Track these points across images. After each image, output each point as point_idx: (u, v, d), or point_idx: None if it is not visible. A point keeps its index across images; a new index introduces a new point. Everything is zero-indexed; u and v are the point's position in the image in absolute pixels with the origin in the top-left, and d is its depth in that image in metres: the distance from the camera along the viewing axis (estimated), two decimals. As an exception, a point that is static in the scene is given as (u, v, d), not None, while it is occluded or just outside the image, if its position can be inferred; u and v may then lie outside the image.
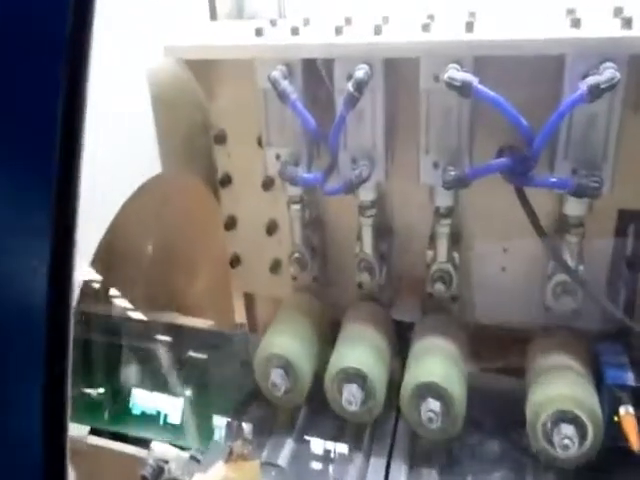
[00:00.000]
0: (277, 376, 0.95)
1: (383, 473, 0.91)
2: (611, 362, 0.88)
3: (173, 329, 1.17)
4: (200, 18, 0.98)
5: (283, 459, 0.96)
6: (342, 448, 0.97)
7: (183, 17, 0.93)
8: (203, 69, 0.93)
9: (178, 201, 1.09)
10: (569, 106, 0.72)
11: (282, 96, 0.82)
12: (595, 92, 0.70)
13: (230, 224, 1.06)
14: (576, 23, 0.72)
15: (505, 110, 0.75)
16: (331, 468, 0.94)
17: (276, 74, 0.81)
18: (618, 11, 0.74)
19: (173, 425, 1.06)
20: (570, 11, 0.76)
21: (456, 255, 0.94)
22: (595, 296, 0.87)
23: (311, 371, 0.98)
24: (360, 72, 0.78)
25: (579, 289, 0.88)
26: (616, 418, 0.83)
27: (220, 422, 1.05)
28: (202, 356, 1.17)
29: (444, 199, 0.89)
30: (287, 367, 0.95)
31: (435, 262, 0.95)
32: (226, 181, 1.03)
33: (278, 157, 0.90)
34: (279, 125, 0.89)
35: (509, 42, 0.73)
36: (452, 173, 0.80)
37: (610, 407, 0.84)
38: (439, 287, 0.95)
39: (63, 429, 0.52)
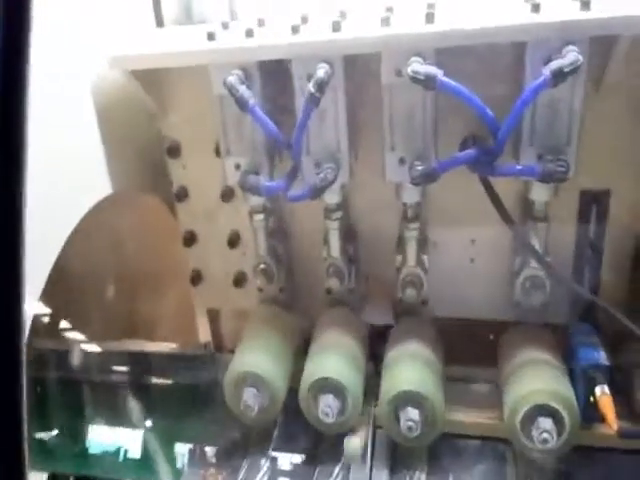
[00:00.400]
0: (250, 396, 0.91)
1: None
2: (583, 343, 0.89)
3: (133, 357, 1.12)
4: (145, 25, 0.93)
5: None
6: (321, 460, 0.94)
7: (126, 24, 0.88)
8: (152, 79, 0.88)
9: (133, 220, 1.04)
10: (533, 92, 0.72)
11: (240, 102, 0.78)
12: (559, 76, 0.70)
13: (189, 240, 1.02)
14: (536, 8, 0.72)
15: (470, 101, 0.74)
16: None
17: (232, 79, 0.78)
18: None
19: (134, 460, 1.01)
20: (527, -3, 0.76)
21: (425, 258, 0.94)
22: (565, 280, 0.88)
23: (285, 388, 0.95)
24: (321, 71, 0.75)
25: (547, 282, 0.89)
26: (592, 399, 0.84)
27: (183, 449, 1.01)
28: (166, 381, 1.13)
29: (411, 195, 0.88)
30: (260, 385, 0.92)
31: (405, 266, 0.94)
32: (182, 195, 0.98)
33: (238, 167, 0.87)
34: (237, 133, 0.85)
35: (471, 31, 0.72)
36: (419, 168, 0.79)
37: (585, 388, 0.85)
38: (410, 292, 0.94)
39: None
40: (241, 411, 0.93)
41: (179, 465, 0.99)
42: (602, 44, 0.74)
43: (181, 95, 0.92)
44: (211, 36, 0.80)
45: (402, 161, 0.83)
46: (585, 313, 0.93)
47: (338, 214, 0.92)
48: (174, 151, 0.96)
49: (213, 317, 1.12)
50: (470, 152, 0.78)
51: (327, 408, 0.88)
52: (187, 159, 0.97)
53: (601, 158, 0.83)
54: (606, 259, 0.91)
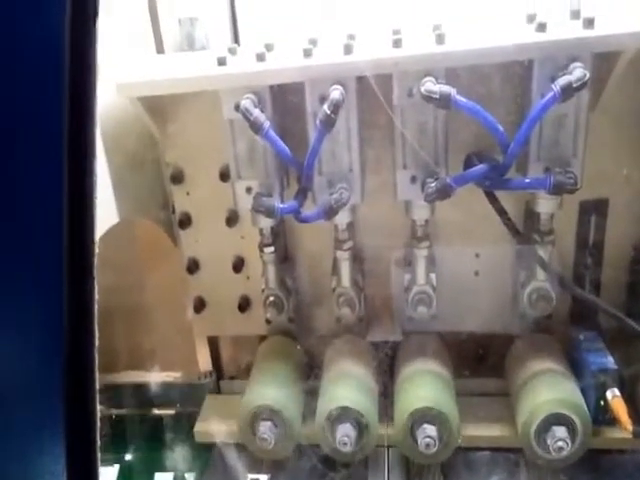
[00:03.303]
0: (266, 429, 0.91)
1: None
2: (590, 349, 0.92)
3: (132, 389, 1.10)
4: (145, 52, 0.92)
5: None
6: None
7: (126, 51, 0.87)
8: (156, 106, 0.88)
9: (135, 249, 1.01)
10: (544, 107, 0.75)
11: (255, 126, 0.78)
12: (568, 91, 0.73)
13: (192, 267, 1.00)
14: (542, 27, 0.75)
15: (483, 118, 0.76)
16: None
17: (246, 103, 0.78)
18: (576, 14, 0.78)
19: None
20: (531, 16, 0.79)
21: (433, 276, 0.95)
22: (576, 291, 0.91)
23: (300, 419, 0.95)
24: (336, 92, 0.76)
25: (553, 294, 0.91)
26: (602, 402, 0.87)
27: (162, 478, 0.99)
28: (169, 412, 1.10)
29: (421, 213, 0.89)
30: (276, 419, 0.92)
31: (414, 285, 0.95)
32: (185, 222, 0.97)
33: (249, 190, 0.86)
34: (249, 157, 0.85)
35: (481, 51, 0.75)
36: (433, 185, 0.80)
37: (596, 393, 0.88)
38: (421, 310, 0.95)
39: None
40: (256, 445, 0.92)
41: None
42: (601, 62, 0.78)
43: (185, 122, 0.92)
44: (222, 61, 0.80)
45: (414, 179, 0.84)
46: (587, 319, 0.96)
47: (349, 244, 0.93)
48: (177, 178, 0.94)
49: (214, 347, 1.10)
50: (482, 167, 0.80)
51: (345, 437, 0.88)
52: (191, 186, 0.96)
53: (599, 170, 0.87)
54: (605, 266, 0.94)
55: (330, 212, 0.82)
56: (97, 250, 0.46)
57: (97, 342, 0.46)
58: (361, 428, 0.89)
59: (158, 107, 0.88)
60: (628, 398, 0.86)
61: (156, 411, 1.10)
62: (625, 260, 0.94)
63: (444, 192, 0.80)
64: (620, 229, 0.93)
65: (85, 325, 0.45)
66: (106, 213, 0.85)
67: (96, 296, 0.46)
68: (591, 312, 0.94)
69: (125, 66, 0.83)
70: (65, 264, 0.45)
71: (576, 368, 0.92)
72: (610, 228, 0.93)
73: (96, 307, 0.46)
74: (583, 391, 0.88)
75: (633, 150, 0.89)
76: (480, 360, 1.01)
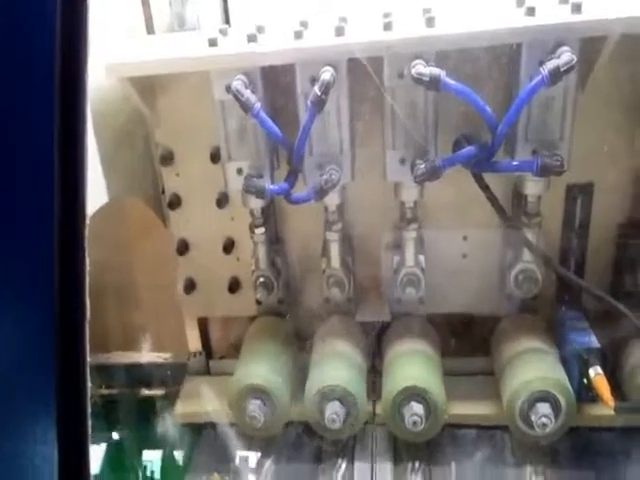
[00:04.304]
0: (255, 408, 0.92)
1: (369, 475, 0.91)
2: (574, 328, 0.94)
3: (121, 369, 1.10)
4: (135, 32, 0.91)
5: (267, 483, 0.93)
6: (324, 460, 0.95)
7: (116, 31, 0.86)
8: (147, 86, 0.87)
9: (124, 230, 1.01)
10: (532, 90, 0.76)
11: (246, 107, 0.79)
12: (556, 75, 0.74)
13: (182, 248, 1.00)
14: (531, 11, 0.76)
15: (472, 100, 0.77)
16: (318, 481, 0.93)
17: (237, 84, 0.78)
18: (565, -2, 0.79)
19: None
20: (520, 0, 0.80)
21: (422, 258, 0.96)
22: (562, 272, 0.93)
23: (289, 398, 0.96)
24: (327, 74, 0.77)
25: (540, 274, 0.93)
26: (585, 380, 0.89)
27: (150, 456, 1.01)
28: (157, 392, 1.11)
29: (410, 194, 0.90)
30: (265, 398, 0.93)
31: (403, 267, 0.96)
32: (175, 203, 0.97)
33: (240, 171, 0.87)
34: (239, 138, 0.85)
35: (471, 34, 0.76)
36: (422, 166, 0.81)
37: (579, 371, 0.90)
38: (410, 291, 0.96)
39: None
40: (246, 422, 0.93)
41: (148, 473, 0.99)
42: (588, 46, 0.79)
43: (175, 103, 0.92)
44: (213, 42, 0.80)
45: (403, 161, 0.85)
46: (572, 299, 0.98)
47: (339, 225, 0.94)
48: (167, 159, 0.94)
49: (203, 328, 1.11)
50: (471, 149, 0.81)
51: (334, 415, 0.89)
52: (181, 167, 0.96)
53: (586, 153, 0.88)
54: (591, 247, 0.96)
55: (321, 193, 0.83)
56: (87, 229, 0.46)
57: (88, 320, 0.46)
58: (349, 406, 0.90)
59: (148, 88, 0.88)
60: (610, 376, 0.88)
61: (145, 391, 1.11)
62: (610, 241, 0.96)
63: (433, 173, 0.81)
64: (606, 211, 0.95)
65: (76, 303, 0.46)
66: (96, 193, 0.86)
67: (87, 274, 0.46)
68: (576, 293, 0.96)
69: (115, 46, 0.83)
70: (56, 242, 0.45)
71: (560, 347, 0.94)
72: (596, 210, 0.95)
73: (87, 286, 0.46)
74: (567, 369, 0.90)
75: (619, 133, 0.90)
76: (467, 340, 1.03)
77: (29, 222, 0.46)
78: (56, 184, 0.45)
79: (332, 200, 0.90)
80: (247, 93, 0.78)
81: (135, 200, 0.97)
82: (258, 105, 0.78)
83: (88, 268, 0.46)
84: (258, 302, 1.03)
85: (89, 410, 0.47)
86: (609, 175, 0.93)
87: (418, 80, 0.76)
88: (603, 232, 0.96)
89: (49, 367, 0.46)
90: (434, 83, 0.75)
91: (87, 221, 0.46)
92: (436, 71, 0.75)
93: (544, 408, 0.86)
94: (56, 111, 0.44)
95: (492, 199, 0.89)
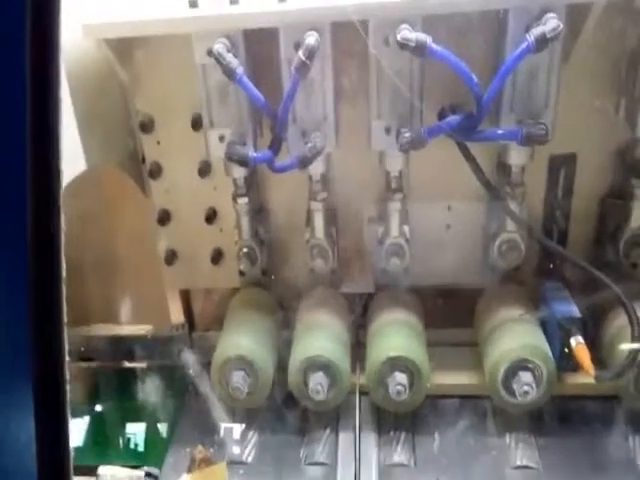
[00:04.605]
0: (239, 379, 0.91)
1: (353, 446, 0.91)
2: (556, 298, 0.95)
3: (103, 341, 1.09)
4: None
5: (249, 455, 0.93)
6: (309, 431, 0.96)
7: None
8: (125, 49, 0.85)
9: (103, 199, 0.99)
10: (518, 57, 0.75)
11: (227, 71, 0.77)
12: (542, 42, 0.73)
13: (164, 218, 0.99)
14: (517, -24, 0.75)
15: (457, 67, 0.76)
16: (302, 452, 0.93)
17: (219, 47, 0.76)
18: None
19: (74, 448, 0.97)
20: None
21: (406, 228, 0.95)
22: (545, 241, 0.93)
23: (273, 369, 0.96)
24: (311, 39, 0.75)
25: (523, 245, 0.93)
26: (566, 350, 0.90)
27: (134, 429, 1.00)
28: (140, 365, 1.10)
29: (395, 164, 0.89)
30: (248, 369, 0.92)
31: (388, 237, 0.95)
32: (156, 172, 0.95)
33: (222, 138, 0.85)
34: (221, 104, 0.84)
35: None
36: (407, 135, 0.80)
37: (560, 340, 0.90)
38: (394, 262, 0.96)
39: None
40: (229, 393, 0.93)
41: (131, 445, 0.99)
42: (574, 13, 0.78)
43: (155, 67, 0.89)
44: (193, 3, 0.78)
45: (388, 130, 0.84)
46: (554, 270, 0.99)
47: (323, 195, 0.93)
48: (147, 126, 0.92)
49: (186, 300, 1.10)
50: (456, 118, 0.80)
51: (318, 386, 0.89)
52: (161, 134, 0.94)
53: (569, 125, 0.87)
54: (573, 218, 0.97)
55: (305, 161, 0.82)
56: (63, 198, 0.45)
57: (65, 292, 0.45)
58: (333, 377, 0.90)
59: (126, 50, 0.86)
60: (591, 345, 0.88)
61: (127, 364, 1.10)
62: (592, 213, 0.97)
63: (418, 142, 0.80)
64: (588, 182, 0.95)
65: (52, 274, 0.45)
66: (73, 161, 0.84)
67: (63, 243, 0.45)
68: (558, 263, 0.97)
69: (92, 6, 0.80)
70: (30, 212, 0.44)
71: (542, 317, 0.94)
72: (579, 181, 0.95)
73: (63, 255, 0.45)
74: (548, 339, 0.91)
75: (602, 105, 0.90)
76: (450, 312, 1.03)
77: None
78: (28, 152, 0.43)
79: (316, 169, 0.89)
80: (229, 57, 0.76)
81: (114, 169, 0.95)
82: (241, 69, 0.77)
83: (64, 239, 0.45)
84: (241, 273, 1.02)
85: (67, 381, 0.46)
86: (592, 146, 0.93)
87: (404, 45, 0.74)
88: (585, 203, 0.96)
89: (24, 338, 0.45)
90: (420, 49, 0.74)
91: (63, 190, 0.45)
92: (422, 37, 0.74)
93: (526, 377, 0.87)
94: (27, 74, 0.42)
95: (476, 169, 0.89)
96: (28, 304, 0.44)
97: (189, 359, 1.04)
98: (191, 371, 1.02)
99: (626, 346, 0.87)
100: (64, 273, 0.44)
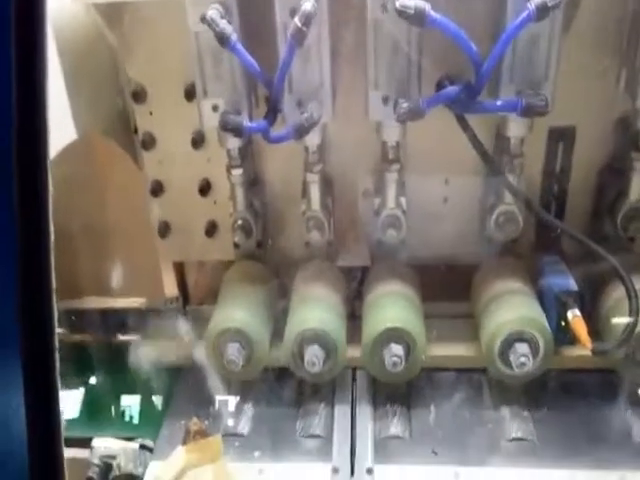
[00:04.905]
0: (234, 351, 0.91)
1: (349, 418, 0.91)
2: (553, 271, 0.95)
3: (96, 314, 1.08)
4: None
5: (245, 427, 0.93)
6: (304, 404, 0.95)
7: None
8: (116, 15, 0.83)
9: (94, 170, 0.97)
10: (518, 26, 0.74)
11: (221, 38, 0.75)
12: (543, 10, 0.72)
13: (157, 190, 0.97)
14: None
15: (457, 36, 0.75)
16: (297, 424, 0.92)
17: (212, 13, 0.74)
18: None
19: (69, 420, 0.99)
20: None
21: (403, 200, 0.94)
22: (543, 214, 0.92)
23: (268, 341, 0.95)
24: (308, 4, 0.73)
25: (520, 217, 0.92)
26: (563, 323, 0.90)
27: (129, 401, 1.01)
28: (133, 337, 1.09)
29: (392, 134, 0.88)
30: (243, 341, 0.92)
31: (384, 209, 0.94)
32: (149, 143, 0.94)
33: (216, 108, 0.83)
34: (215, 72, 0.82)
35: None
36: (405, 105, 0.79)
37: (557, 313, 0.90)
38: (391, 233, 0.95)
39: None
40: (224, 366, 0.92)
41: (126, 418, 0.99)
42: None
43: (147, 34, 0.87)
44: (186, -33, 0.75)
45: (386, 100, 0.82)
46: (551, 243, 0.98)
47: (319, 166, 0.91)
48: (140, 96, 0.90)
49: (180, 273, 1.09)
50: (454, 88, 0.79)
51: (314, 358, 0.89)
52: (154, 104, 0.92)
53: (568, 97, 0.86)
54: (571, 192, 0.96)
55: (301, 131, 0.81)
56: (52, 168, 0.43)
57: (54, 260, 0.44)
58: (329, 349, 0.90)
59: (116, 16, 0.84)
60: (588, 318, 0.88)
61: (121, 337, 1.10)
62: (590, 187, 0.96)
63: (416, 113, 0.79)
64: (587, 156, 0.94)
65: (40, 246, 0.44)
66: (63, 130, 0.82)
67: (51, 215, 0.44)
68: (555, 236, 0.96)
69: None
70: (16, 183, 0.42)
71: (539, 290, 0.94)
72: (577, 154, 0.94)
73: (52, 227, 0.44)
74: (545, 312, 0.90)
75: (602, 77, 0.88)
76: (447, 285, 1.03)
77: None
78: (14, 120, 0.42)
79: (312, 140, 0.88)
80: (223, 23, 0.74)
81: (104, 139, 0.93)
82: (234, 36, 0.75)
83: (55, 211, 0.43)
84: (236, 246, 1.01)
85: (57, 355, 0.45)
86: (592, 119, 0.92)
87: (402, 13, 0.73)
88: (584, 176, 0.95)
89: (12, 308, 0.44)
90: (419, 17, 0.73)
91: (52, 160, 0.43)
92: (421, 4, 0.72)
93: (522, 348, 0.87)
94: (12, 37, 0.41)
95: (474, 140, 0.87)
96: (16, 271, 0.43)
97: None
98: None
99: (617, 320, 0.87)
100: (52, 238, 0.43)
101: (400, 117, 0.79)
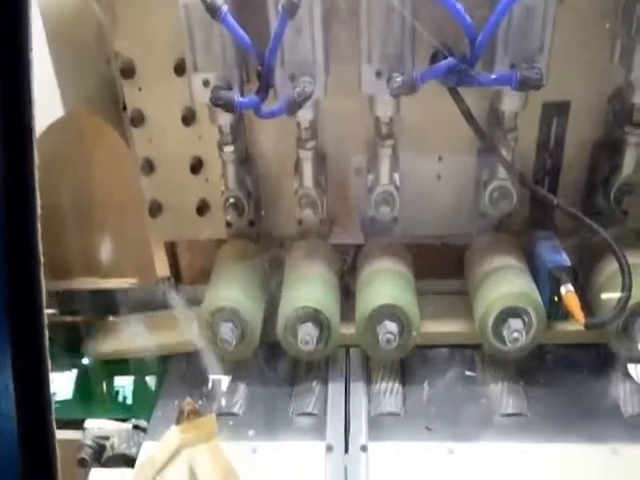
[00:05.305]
0: (227, 330, 0.90)
1: (343, 396, 0.91)
2: (546, 247, 0.94)
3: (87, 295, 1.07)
4: None
5: (239, 406, 0.93)
6: (298, 382, 0.95)
7: None
8: (103, -12, 0.81)
9: (83, 147, 0.96)
10: (514, -2, 0.73)
11: (211, 10, 0.73)
12: (538, -19, 0.71)
13: (147, 168, 0.96)
14: None
15: (451, 7, 0.74)
16: (291, 403, 0.92)
17: (202, -16, 0.73)
18: None
19: (62, 401, 0.98)
20: None
21: (397, 176, 0.94)
22: (536, 189, 0.92)
23: (261, 320, 0.95)
24: (300, -25, 0.72)
25: (515, 192, 0.92)
26: (556, 298, 0.90)
27: (121, 382, 1.00)
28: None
29: (386, 109, 0.87)
30: (236, 320, 0.91)
31: (378, 185, 0.93)
32: (138, 119, 0.92)
33: (206, 83, 0.82)
34: (206, 46, 0.80)
35: None
36: (399, 79, 0.78)
37: (550, 288, 0.90)
38: (384, 210, 0.94)
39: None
40: (217, 345, 0.91)
41: (120, 399, 0.98)
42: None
43: (135, 7, 0.85)
44: (175, -64, 0.74)
45: (379, 73, 0.81)
46: (545, 219, 0.98)
47: (312, 143, 0.90)
48: (128, 71, 0.88)
49: (171, 252, 1.08)
50: (450, 61, 0.78)
51: (307, 336, 0.88)
52: (143, 80, 0.90)
53: (562, 71, 0.86)
54: (565, 166, 0.95)
55: (293, 106, 0.79)
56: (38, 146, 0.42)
57: (41, 242, 0.43)
58: (323, 327, 0.90)
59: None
60: (581, 294, 0.88)
61: (112, 318, 1.09)
62: (584, 161, 0.96)
63: (410, 87, 0.78)
64: (581, 131, 0.94)
65: (27, 223, 0.43)
66: (49, 106, 0.80)
67: (38, 194, 0.42)
68: (549, 211, 0.96)
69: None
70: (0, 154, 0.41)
71: (532, 266, 0.94)
72: (571, 130, 0.93)
73: (39, 206, 0.43)
74: (538, 288, 0.90)
75: (597, 50, 0.88)
76: (441, 261, 1.03)
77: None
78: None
79: (305, 116, 0.87)
80: (213, -6, 0.73)
81: (93, 116, 0.92)
82: (225, 8, 0.73)
83: (42, 188, 0.42)
84: (228, 224, 1.00)
85: (46, 335, 0.45)
86: (586, 94, 0.91)
87: (396, -17, 0.72)
88: (578, 151, 0.95)
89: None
90: (413, -13, 0.71)
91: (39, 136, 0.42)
92: (416, -28, 0.71)
93: (516, 323, 0.87)
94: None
95: (467, 115, 0.86)
96: (3, 248, 0.42)
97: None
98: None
99: (607, 296, 0.88)
100: (39, 213, 0.42)
101: (394, 91, 0.78)
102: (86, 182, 0.99)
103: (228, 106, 0.79)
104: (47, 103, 0.83)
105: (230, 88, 0.81)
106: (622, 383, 0.90)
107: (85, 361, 1.04)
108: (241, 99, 0.80)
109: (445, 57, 0.80)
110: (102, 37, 0.89)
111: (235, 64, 0.81)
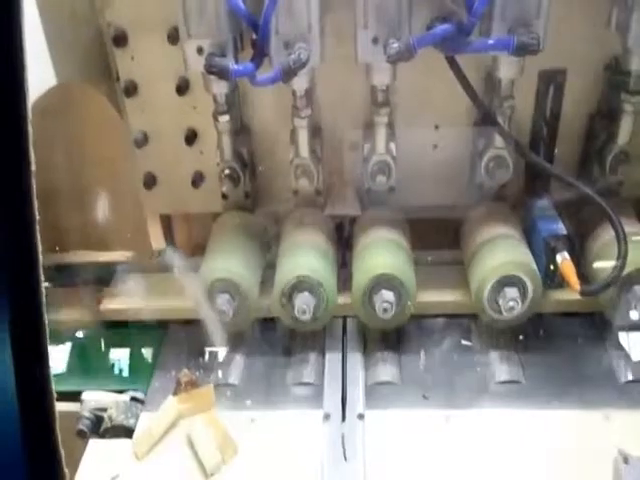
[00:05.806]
0: (223, 302, 0.90)
1: (340, 366, 0.91)
2: (542, 216, 0.95)
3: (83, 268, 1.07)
4: None
5: (236, 377, 0.93)
6: (295, 352, 0.96)
7: None
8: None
9: (76, 118, 0.94)
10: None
11: (205, -26, 0.72)
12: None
13: (141, 140, 0.95)
14: None
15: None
16: (288, 373, 0.93)
17: (195, -51, 0.71)
18: None
19: (57, 375, 0.95)
20: None
21: (393, 146, 0.93)
22: (531, 157, 0.91)
23: (258, 291, 0.95)
24: (294, -61, 0.71)
25: (511, 161, 0.92)
26: (552, 267, 0.90)
27: (117, 354, 1.00)
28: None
29: (382, 77, 0.86)
30: (233, 291, 0.91)
31: (374, 154, 0.93)
32: (131, 90, 0.91)
33: (200, 50, 0.80)
34: (199, 13, 0.79)
35: None
36: (395, 45, 0.77)
37: (546, 257, 0.90)
38: (380, 179, 0.94)
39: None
40: (215, 316, 0.91)
41: (115, 372, 0.98)
42: None
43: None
44: None
45: (375, 40, 0.80)
46: (541, 187, 0.98)
47: (308, 112, 0.89)
48: (120, 40, 0.87)
49: (166, 225, 1.07)
50: (447, 27, 0.77)
51: (304, 306, 0.88)
52: (135, 49, 0.89)
53: (559, 39, 0.85)
54: (561, 135, 0.95)
55: (289, 73, 0.78)
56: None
57: (38, 217, 0.43)
58: (319, 297, 0.90)
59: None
60: (577, 263, 0.89)
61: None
62: (580, 130, 0.95)
63: (406, 53, 0.77)
64: (577, 99, 0.93)
65: (23, 199, 0.42)
66: (42, 75, 0.79)
67: (33, 166, 0.42)
68: (545, 180, 0.96)
69: None
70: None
71: (528, 235, 0.94)
72: (567, 98, 0.93)
73: (34, 179, 0.42)
74: (535, 256, 0.91)
75: (593, 17, 0.87)
76: (437, 232, 1.03)
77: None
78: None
79: (300, 84, 0.86)
80: (206, -41, 0.72)
81: (85, 86, 0.90)
82: (219, -27, 0.72)
83: (35, 161, 0.42)
84: (224, 196, 1.00)
85: (44, 309, 0.44)
86: (582, 62, 0.91)
87: (393, -53, 0.70)
88: (574, 120, 0.95)
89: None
90: (409, -49, 0.70)
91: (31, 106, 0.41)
92: (412, -63, 0.70)
93: (511, 292, 0.87)
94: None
95: (464, 82, 0.86)
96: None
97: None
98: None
99: (600, 264, 0.89)
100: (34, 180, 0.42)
101: (390, 57, 0.77)
102: (79, 153, 0.98)
103: (223, 73, 0.78)
104: (40, 73, 0.82)
105: (224, 56, 0.80)
106: (616, 350, 0.90)
107: (79, 334, 1.03)
108: (236, 66, 0.79)
109: (442, 24, 0.80)
110: (93, 5, 0.87)
111: (229, 31, 0.80)
